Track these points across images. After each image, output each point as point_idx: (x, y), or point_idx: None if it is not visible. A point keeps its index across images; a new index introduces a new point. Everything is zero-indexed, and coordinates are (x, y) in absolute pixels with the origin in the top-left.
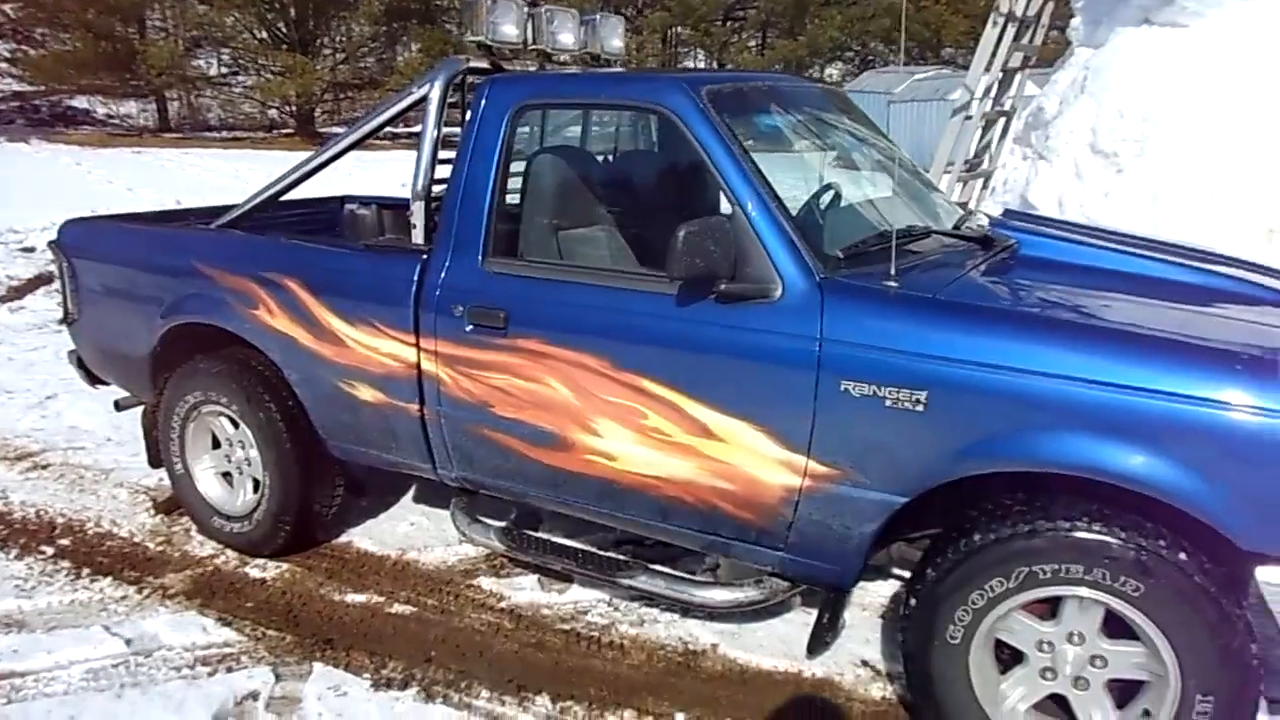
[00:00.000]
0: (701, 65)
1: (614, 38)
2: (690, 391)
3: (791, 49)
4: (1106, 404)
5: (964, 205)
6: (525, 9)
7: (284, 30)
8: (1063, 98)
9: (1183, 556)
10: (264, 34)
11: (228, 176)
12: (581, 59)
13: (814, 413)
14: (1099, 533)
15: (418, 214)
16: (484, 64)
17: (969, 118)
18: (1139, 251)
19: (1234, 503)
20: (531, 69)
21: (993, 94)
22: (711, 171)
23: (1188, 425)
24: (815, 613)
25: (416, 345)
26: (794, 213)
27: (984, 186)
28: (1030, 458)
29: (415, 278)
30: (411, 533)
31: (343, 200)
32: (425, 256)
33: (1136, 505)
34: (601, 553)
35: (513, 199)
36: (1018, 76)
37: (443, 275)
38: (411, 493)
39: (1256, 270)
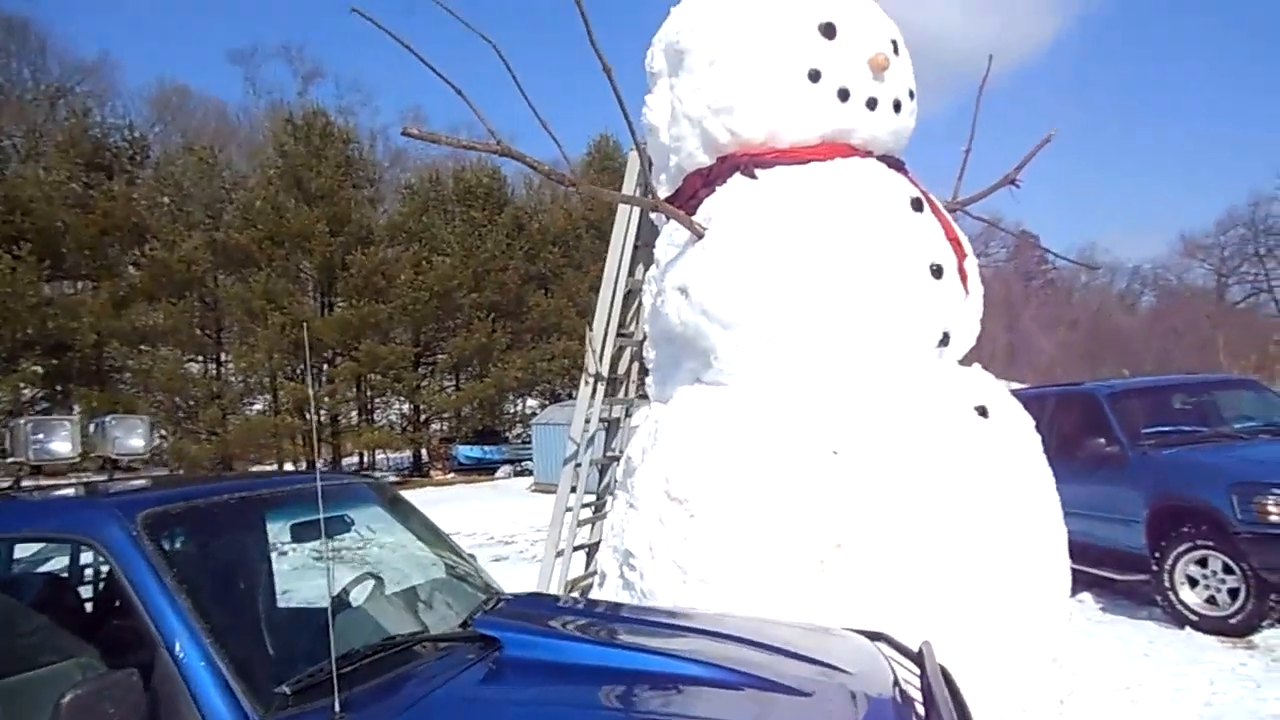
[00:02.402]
0: (401, 408)
1: (132, 438)
2: None
3: (481, 389)
4: None
5: (565, 584)
6: None
7: None
8: (644, 448)
9: None
10: None
11: None
12: (95, 463)
13: None
14: None
15: None
16: None
17: (579, 465)
18: (637, 643)
19: None
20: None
21: (600, 442)
22: (141, 608)
23: None
24: None
25: None
26: (261, 641)
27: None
28: None
29: None
30: None
31: None
32: None
33: None
34: None
35: None
36: (621, 426)
37: None
38: None
39: (779, 653)
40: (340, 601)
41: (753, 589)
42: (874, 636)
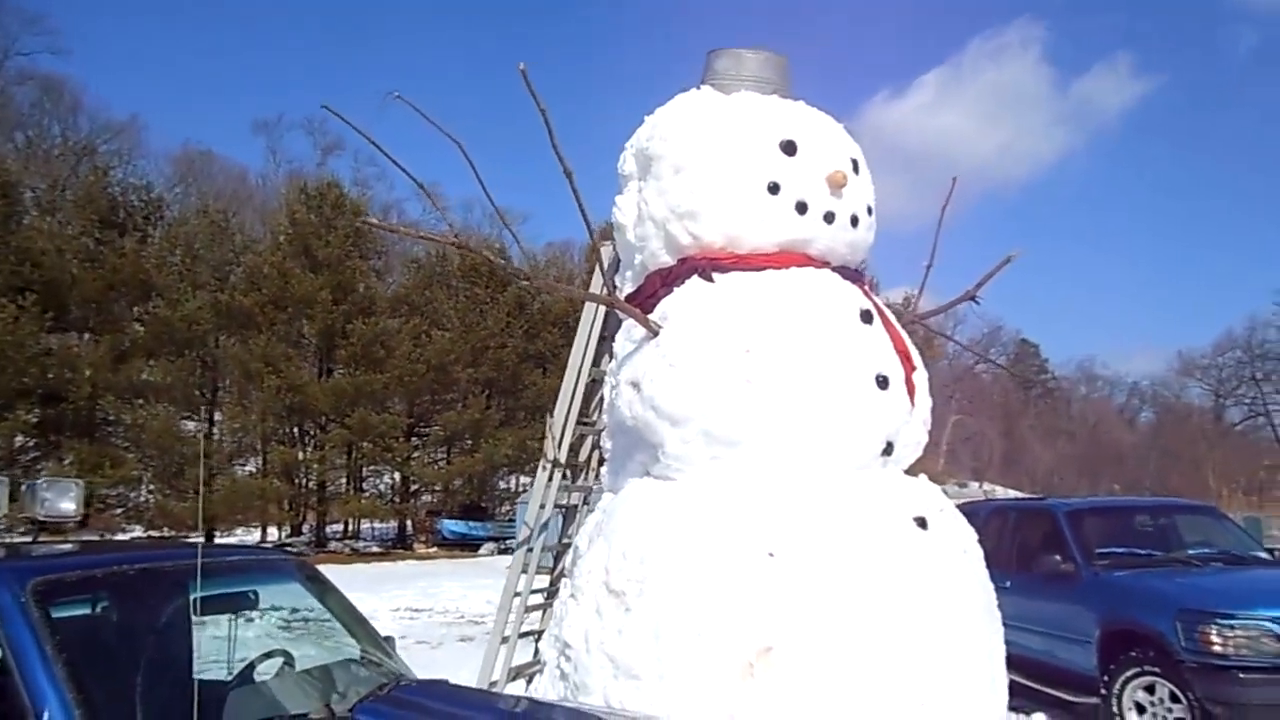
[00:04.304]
0: (391, 478)
1: (63, 501)
2: None
3: (471, 464)
4: None
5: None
6: None
7: None
8: (590, 538)
9: None
10: None
11: None
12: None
13: None
14: None
15: None
16: None
17: (530, 550)
18: None
19: None
20: None
21: (556, 528)
22: (17, 675)
23: None
24: None
25: None
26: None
27: None
28: None
29: None
30: None
31: None
32: None
33: None
34: None
35: None
36: (579, 513)
37: None
38: None
39: None
40: (244, 677)
41: (680, 688)
42: None
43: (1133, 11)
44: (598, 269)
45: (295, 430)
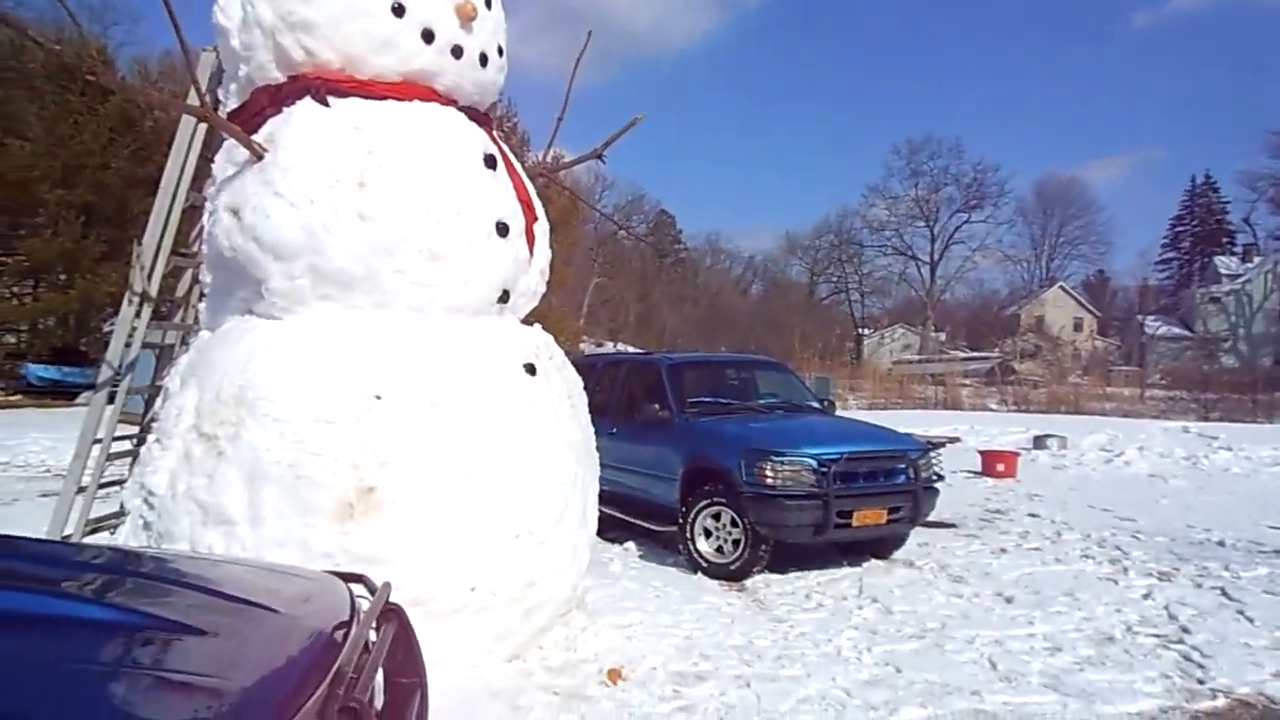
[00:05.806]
0: None
1: None
2: None
3: (64, 301)
4: None
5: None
6: None
7: None
8: (182, 379)
9: None
10: None
11: None
12: None
13: None
14: None
15: None
16: None
17: (114, 392)
18: (37, 584)
19: None
20: None
21: (149, 369)
22: None
23: None
24: None
25: None
26: None
27: None
28: None
29: None
30: None
31: None
32: None
33: None
34: None
35: None
36: (176, 353)
37: None
38: None
39: (212, 594)
40: None
41: (276, 532)
42: (351, 579)
43: None
44: (202, 75)
45: None
